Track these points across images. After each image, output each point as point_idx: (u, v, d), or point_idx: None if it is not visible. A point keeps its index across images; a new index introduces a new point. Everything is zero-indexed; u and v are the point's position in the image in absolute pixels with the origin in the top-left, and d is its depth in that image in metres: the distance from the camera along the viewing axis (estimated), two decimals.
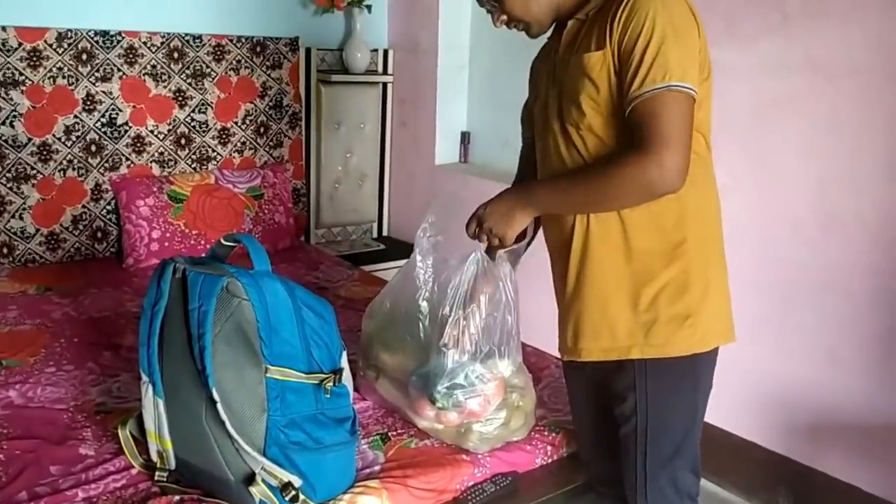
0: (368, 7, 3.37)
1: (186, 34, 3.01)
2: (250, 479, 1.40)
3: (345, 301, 2.65)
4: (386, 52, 3.62)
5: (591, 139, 1.42)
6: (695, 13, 1.38)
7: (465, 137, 3.55)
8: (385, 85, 3.65)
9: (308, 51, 3.38)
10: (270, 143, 3.29)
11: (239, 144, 3.21)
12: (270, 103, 3.25)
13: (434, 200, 1.83)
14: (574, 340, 1.52)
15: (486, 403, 1.68)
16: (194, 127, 3.09)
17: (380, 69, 3.63)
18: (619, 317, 1.46)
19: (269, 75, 3.22)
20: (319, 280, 2.87)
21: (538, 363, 2.13)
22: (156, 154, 3.03)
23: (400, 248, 3.57)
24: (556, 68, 1.49)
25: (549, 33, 1.55)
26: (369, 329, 1.90)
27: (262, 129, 3.26)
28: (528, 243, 1.68)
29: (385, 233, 3.84)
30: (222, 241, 1.57)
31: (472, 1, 3.41)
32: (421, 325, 1.77)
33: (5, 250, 2.80)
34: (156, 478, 1.52)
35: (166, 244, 2.88)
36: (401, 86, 3.64)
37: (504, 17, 1.49)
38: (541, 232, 1.64)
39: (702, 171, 1.45)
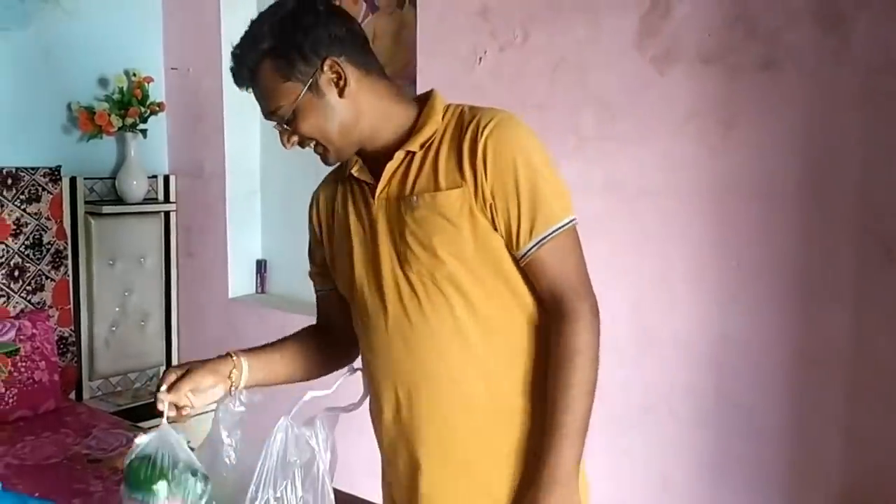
0: (143, 132, 3.06)
1: None
2: None
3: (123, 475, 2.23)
4: (167, 179, 3.31)
5: (451, 290, 1.23)
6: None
7: (261, 266, 3.28)
8: (167, 214, 3.31)
9: (73, 180, 3.00)
10: (28, 288, 2.82)
11: None
12: (27, 242, 2.80)
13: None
14: None
15: None
16: None
17: (160, 197, 3.29)
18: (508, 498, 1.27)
19: (24, 210, 2.79)
20: (92, 450, 2.41)
21: None
22: None
23: None
24: (382, 211, 1.27)
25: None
26: None
27: (16, 273, 2.78)
28: (359, 404, 1.44)
29: None
30: None
31: (261, 122, 3.22)
32: None
33: None
34: None
35: None
36: (186, 214, 3.32)
37: (295, 138, 1.26)
38: None
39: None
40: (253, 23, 1.25)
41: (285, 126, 1.25)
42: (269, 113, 1.25)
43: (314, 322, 1.52)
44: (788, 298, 1.96)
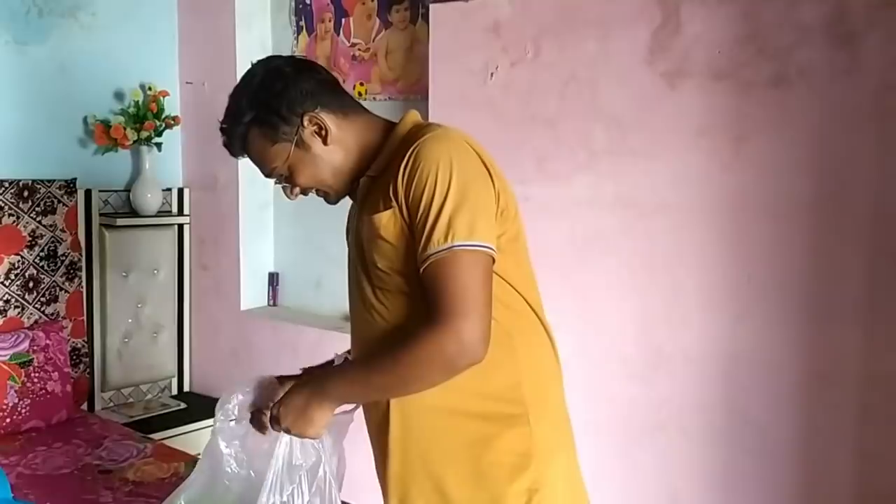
0: (158, 145, 3.09)
1: None
2: None
3: (133, 486, 2.24)
4: (181, 191, 3.33)
5: (406, 300, 1.29)
6: (484, 158, 1.29)
7: (273, 279, 3.29)
8: (181, 226, 3.34)
9: (88, 193, 3.03)
10: (42, 299, 2.84)
11: (0, 304, 2.74)
12: (42, 253, 2.83)
13: (242, 381, 1.55)
14: None
15: None
16: None
17: (174, 209, 3.32)
18: (458, 497, 1.30)
19: (39, 222, 2.81)
20: (103, 461, 2.42)
21: None
22: None
23: (204, 405, 3.17)
24: (356, 228, 1.38)
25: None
26: None
27: (31, 284, 2.81)
28: (355, 408, 1.47)
29: (187, 388, 3.43)
30: None
31: None
32: None
33: None
34: None
35: None
36: (199, 226, 3.35)
37: (297, 190, 1.39)
38: None
39: (525, 329, 1.34)
40: (231, 99, 1.36)
41: (285, 182, 1.38)
42: (267, 174, 1.39)
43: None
44: (800, 315, 1.95)
